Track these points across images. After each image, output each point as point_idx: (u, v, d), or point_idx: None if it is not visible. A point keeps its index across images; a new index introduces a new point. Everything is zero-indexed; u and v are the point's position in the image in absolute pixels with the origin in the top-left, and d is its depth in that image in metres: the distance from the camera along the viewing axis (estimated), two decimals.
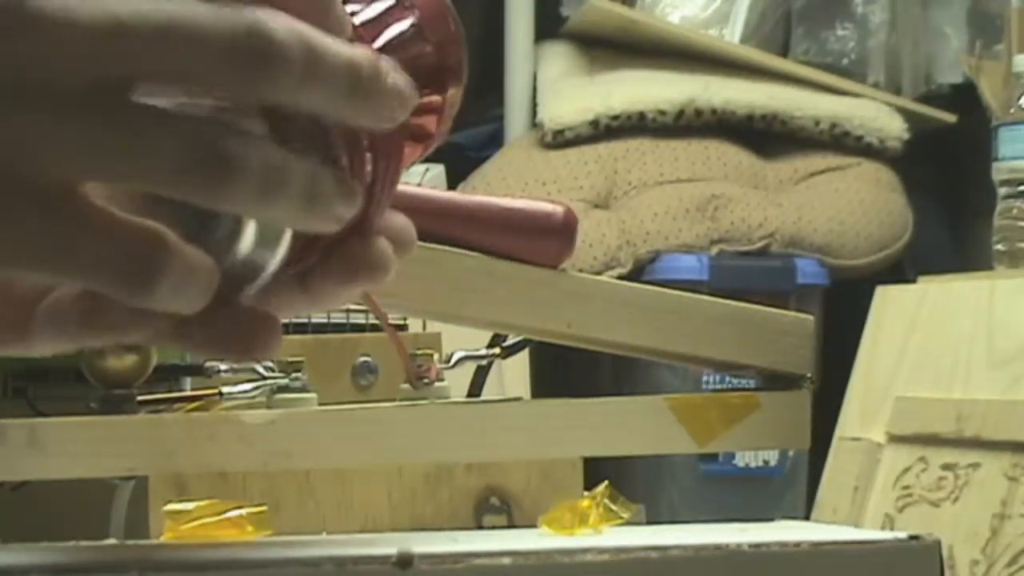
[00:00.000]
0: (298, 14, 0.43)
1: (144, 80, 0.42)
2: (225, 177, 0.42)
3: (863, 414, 1.62)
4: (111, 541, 0.70)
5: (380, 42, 0.52)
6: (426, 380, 0.76)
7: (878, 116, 2.53)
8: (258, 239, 0.45)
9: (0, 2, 0.40)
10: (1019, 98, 1.63)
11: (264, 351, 0.47)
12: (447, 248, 0.68)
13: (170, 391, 0.91)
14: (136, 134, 0.41)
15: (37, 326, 0.46)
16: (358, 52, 0.44)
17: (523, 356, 1.61)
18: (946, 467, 1.47)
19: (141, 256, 0.42)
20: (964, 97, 2.47)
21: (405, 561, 0.52)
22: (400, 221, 0.51)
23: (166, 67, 0.41)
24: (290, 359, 0.83)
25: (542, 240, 0.70)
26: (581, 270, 0.75)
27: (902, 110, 2.57)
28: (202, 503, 0.61)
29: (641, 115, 2.47)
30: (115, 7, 0.40)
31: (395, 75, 0.45)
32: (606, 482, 0.63)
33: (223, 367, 0.89)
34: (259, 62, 0.42)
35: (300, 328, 1.10)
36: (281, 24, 0.42)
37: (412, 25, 0.55)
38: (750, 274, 2.35)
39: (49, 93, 0.40)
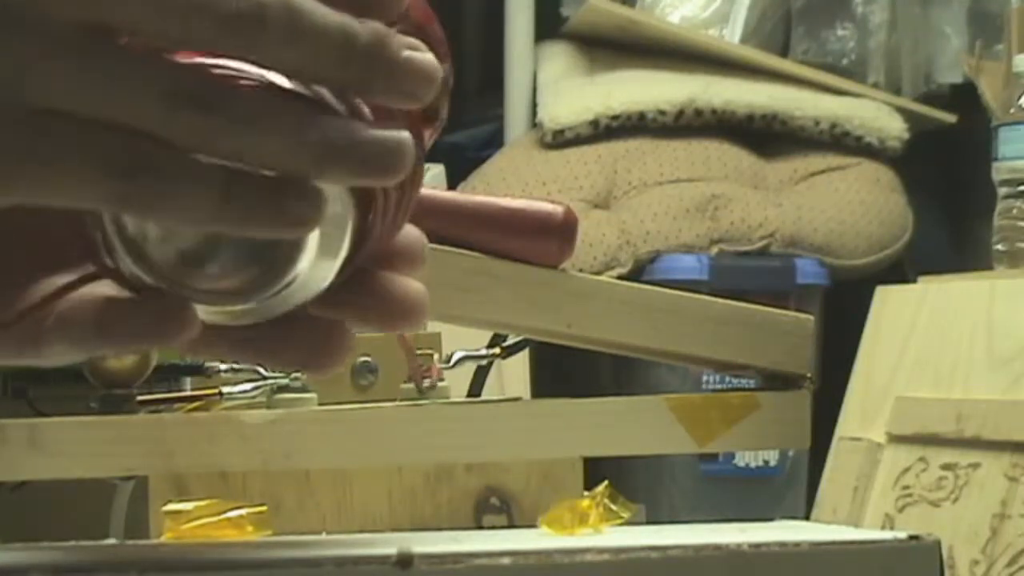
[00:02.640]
0: None
1: (124, 31, 0.43)
2: (212, 108, 0.42)
3: (863, 414, 1.62)
4: (111, 541, 0.70)
5: None
6: (429, 381, 0.76)
7: (878, 116, 2.53)
8: (319, 252, 0.46)
9: None
10: (1019, 98, 1.63)
11: (340, 361, 0.48)
12: (447, 248, 0.68)
13: (170, 391, 0.91)
14: (123, 68, 0.42)
15: (49, 335, 0.46)
16: (354, 20, 0.43)
17: (523, 356, 1.61)
18: (946, 467, 1.47)
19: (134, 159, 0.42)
20: (964, 97, 2.47)
21: (405, 561, 0.52)
22: (412, 234, 0.51)
23: (141, 20, 0.42)
24: None
25: (542, 240, 0.70)
26: (581, 270, 0.75)
27: (902, 110, 2.56)
28: (202, 503, 0.61)
29: (641, 115, 2.47)
30: None
31: (412, 51, 0.44)
32: (606, 482, 0.63)
33: (223, 367, 0.89)
34: (233, 21, 0.42)
35: None
36: None
37: None
38: (750, 274, 2.35)
39: (40, 26, 0.41)
